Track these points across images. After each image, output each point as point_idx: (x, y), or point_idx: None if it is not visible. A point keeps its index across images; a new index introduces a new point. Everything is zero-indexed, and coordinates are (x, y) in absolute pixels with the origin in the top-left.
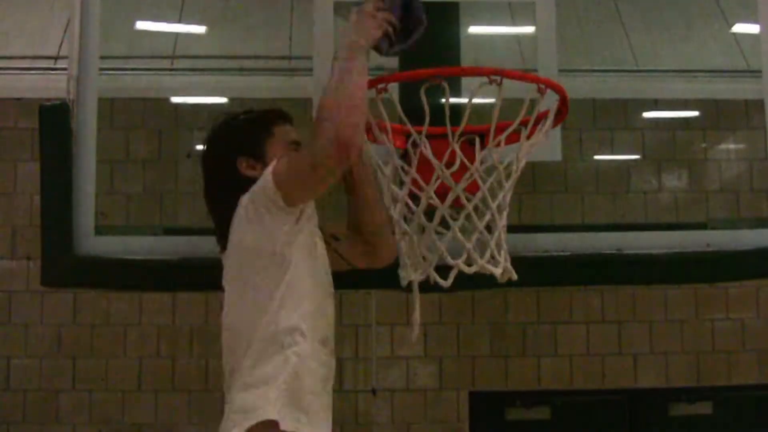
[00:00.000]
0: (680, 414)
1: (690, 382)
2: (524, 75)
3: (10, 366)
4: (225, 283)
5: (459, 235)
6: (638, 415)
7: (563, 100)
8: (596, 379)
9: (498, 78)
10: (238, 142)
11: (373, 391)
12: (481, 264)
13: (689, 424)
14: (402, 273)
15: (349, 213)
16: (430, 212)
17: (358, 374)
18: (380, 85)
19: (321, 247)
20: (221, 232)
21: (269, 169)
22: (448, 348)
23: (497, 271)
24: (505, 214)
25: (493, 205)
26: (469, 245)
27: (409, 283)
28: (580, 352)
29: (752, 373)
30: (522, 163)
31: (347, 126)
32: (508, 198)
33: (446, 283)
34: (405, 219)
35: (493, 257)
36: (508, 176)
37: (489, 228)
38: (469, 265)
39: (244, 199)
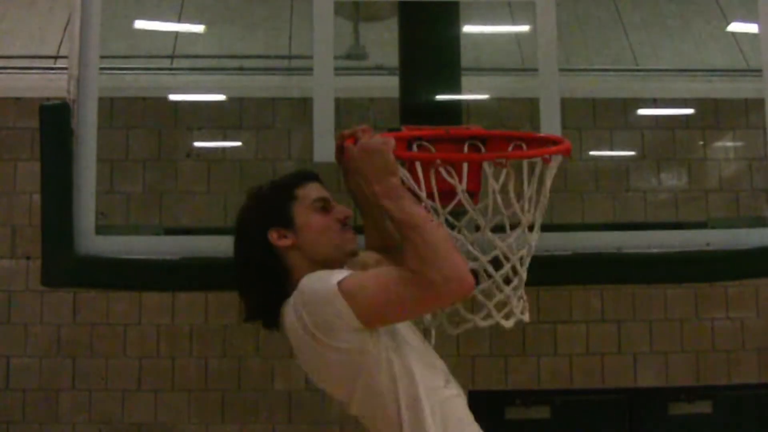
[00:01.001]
0: (680, 413)
1: (690, 381)
2: (529, 153)
3: (10, 365)
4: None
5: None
6: (638, 414)
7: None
8: (596, 379)
9: (503, 161)
10: (266, 214)
11: None
12: (498, 320)
13: (689, 423)
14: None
15: (369, 233)
16: None
17: None
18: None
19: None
20: (263, 308)
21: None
22: (447, 347)
23: (508, 324)
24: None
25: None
26: (490, 304)
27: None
28: (579, 351)
29: (752, 373)
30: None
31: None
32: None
33: (455, 331)
34: None
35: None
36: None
37: (508, 280)
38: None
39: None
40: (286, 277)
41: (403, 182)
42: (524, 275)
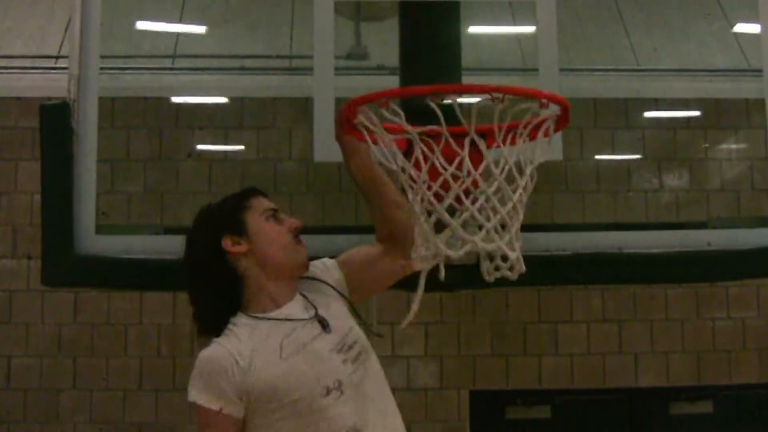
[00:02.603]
0: (681, 413)
1: (690, 381)
2: (526, 91)
3: (11, 365)
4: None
5: (477, 214)
6: (639, 414)
7: (565, 111)
8: (597, 378)
9: (500, 96)
10: (219, 222)
11: None
12: (500, 244)
13: (690, 423)
14: (413, 254)
15: (376, 221)
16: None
17: None
18: (382, 100)
19: None
20: (214, 315)
21: None
22: (448, 347)
23: (513, 255)
24: (521, 214)
25: (510, 204)
26: (489, 225)
27: (413, 280)
28: (580, 351)
29: (753, 372)
30: (533, 166)
31: None
32: (525, 197)
33: (459, 254)
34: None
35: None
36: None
37: (503, 226)
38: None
39: None
40: (239, 284)
41: (404, 170)
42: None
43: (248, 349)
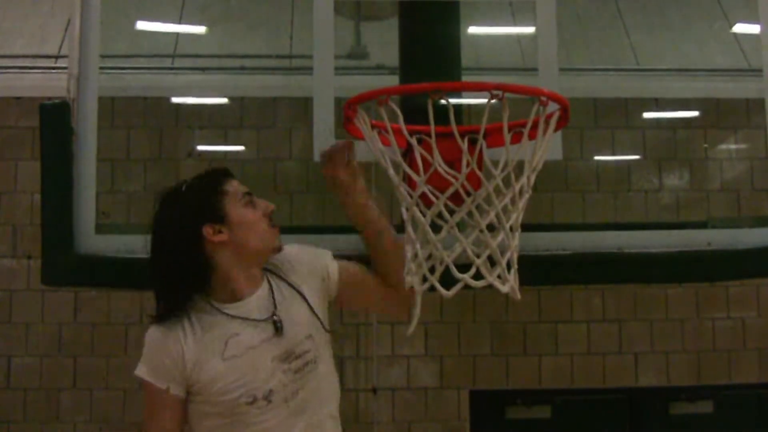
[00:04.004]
0: (681, 413)
1: (691, 381)
2: (526, 89)
3: (11, 365)
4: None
5: (469, 250)
6: (639, 413)
7: (565, 110)
8: (597, 378)
9: (500, 93)
10: (198, 210)
11: (374, 390)
12: (491, 280)
13: (690, 423)
14: (407, 278)
15: (373, 261)
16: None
17: (359, 373)
18: (381, 97)
19: None
20: (177, 305)
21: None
22: (448, 347)
23: (504, 289)
24: (518, 235)
25: (507, 225)
26: (478, 261)
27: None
28: (580, 351)
29: (753, 372)
30: (532, 180)
31: None
32: (520, 219)
33: (448, 294)
34: (413, 227)
35: (499, 277)
36: (520, 195)
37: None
38: (477, 279)
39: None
40: (209, 273)
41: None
42: (515, 242)
43: (196, 339)
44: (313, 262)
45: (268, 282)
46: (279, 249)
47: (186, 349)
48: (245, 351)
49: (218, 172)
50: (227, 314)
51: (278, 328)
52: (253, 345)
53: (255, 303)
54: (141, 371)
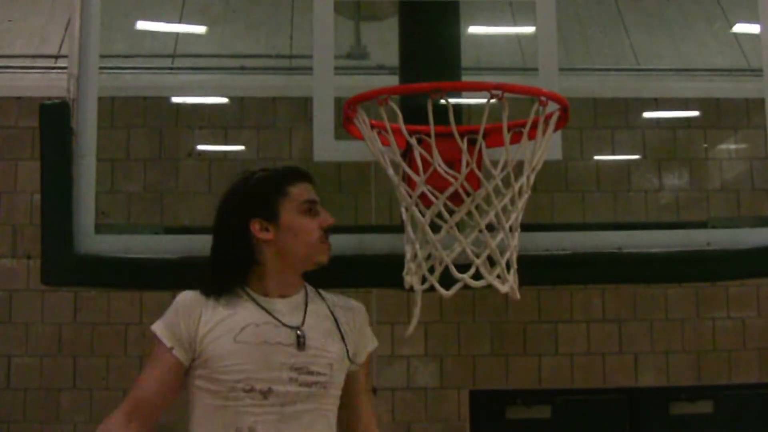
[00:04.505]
0: (681, 413)
1: (691, 381)
2: (526, 88)
3: (11, 365)
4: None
5: (469, 250)
6: (639, 414)
7: (564, 110)
8: (597, 378)
9: (500, 93)
10: (252, 203)
11: (374, 390)
12: (490, 280)
13: (690, 423)
14: (406, 278)
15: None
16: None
17: None
18: (381, 97)
19: None
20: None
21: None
22: (448, 347)
23: (503, 289)
24: (517, 235)
25: (506, 225)
26: (478, 261)
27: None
28: (580, 351)
29: (753, 372)
30: (531, 180)
31: None
32: (519, 218)
33: (448, 294)
34: (413, 227)
35: (499, 276)
36: (519, 195)
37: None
38: (476, 279)
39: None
40: (250, 266)
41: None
42: (514, 242)
43: (217, 314)
44: (364, 331)
45: (306, 295)
46: (323, 263)
47: (204, 320)
48: (259, 342)
49: (294, 172)
50: (256, 303)
51: (300, 343)
52: (269, 341)
53: (283, 306)
54: (156, 326)
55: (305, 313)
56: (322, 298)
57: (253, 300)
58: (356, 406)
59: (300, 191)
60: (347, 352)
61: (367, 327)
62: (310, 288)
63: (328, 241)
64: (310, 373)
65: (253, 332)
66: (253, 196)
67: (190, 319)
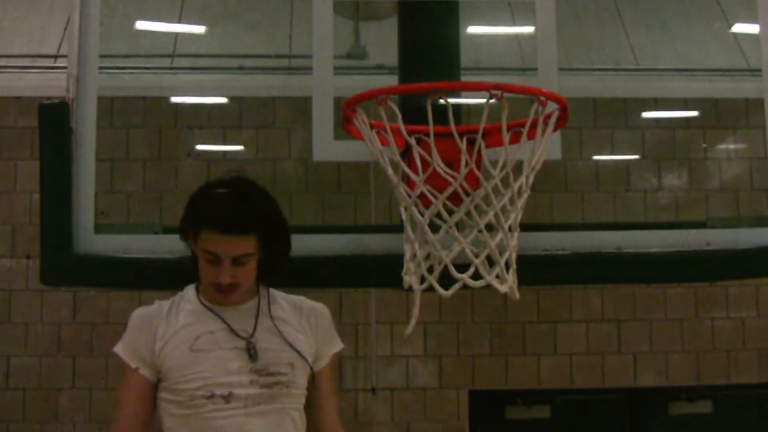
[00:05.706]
0: (680, 413)
1: (690, 381)
2: (526, 88)
3: (10, 365)
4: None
5: (468, 250)
6: (638, 413)
7: (564, 109)
8: (596, 378)
9: (499, 92)
10: (188, 216)
11: (373, 390)
12: (489, 280)
13: (689, 423)
14: (405, 278)
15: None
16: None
17: (357, 373)
18: (381, 97)
19: None
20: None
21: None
22: (448, 347)
23: (502, 289)
24: (516, 235)
25: (505, 225)
26: (477, 261)
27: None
28: (579, 350)
29: (752, 372)
30: (530, 180)
31: None
32: (519, 218)
33: (447, 294)
34: (412, 227)
35: (498, 276)
36: (518, 195)
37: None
38: (475, 278)
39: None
40: (197, 274)
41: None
42: (513, 242)
43: (171, 326)
44: (328, 332)
45: (258, 302)
46: (229, 305)
47: (160, 334)
48: (214, 349)
49: (213, 217)
50: (210, 311)
51: (252, 354)
52: (224, 347)
53: (234, 313)
54: (118, 347)
55: (256, 320)
56: (281, 302)
57: (209, 309)
58: (321, 407)
59: (207, 239)
60: (305, 353)
61: (332, 329)
62: (266, 292)
63: (224, 293)
64: (270, 374)
65: (208, 340)
66: (192, 211)
67: (148, 335)
